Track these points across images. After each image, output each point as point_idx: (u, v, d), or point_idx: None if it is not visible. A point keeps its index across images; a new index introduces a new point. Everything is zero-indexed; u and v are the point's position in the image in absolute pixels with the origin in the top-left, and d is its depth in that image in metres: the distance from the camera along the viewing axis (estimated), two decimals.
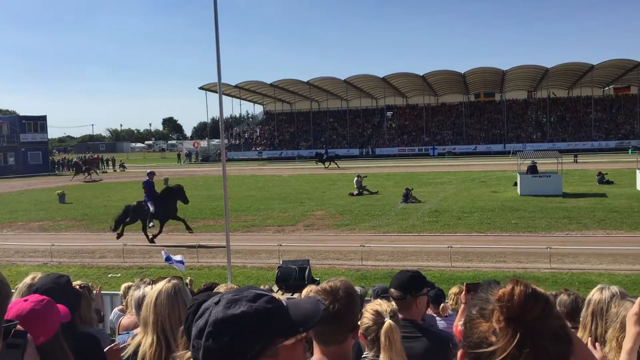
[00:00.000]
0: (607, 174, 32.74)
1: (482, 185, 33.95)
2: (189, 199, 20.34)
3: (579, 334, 3.38)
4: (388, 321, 2.70)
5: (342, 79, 77.64)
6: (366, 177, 33.43)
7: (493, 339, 1.22)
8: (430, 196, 28.88)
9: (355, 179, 31.92)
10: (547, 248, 14.32)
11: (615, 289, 3.42)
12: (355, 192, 30.96)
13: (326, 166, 56.28)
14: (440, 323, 5.54)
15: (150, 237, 19.14)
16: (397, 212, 24.26)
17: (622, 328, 2.65)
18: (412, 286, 3.55)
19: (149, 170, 21.22)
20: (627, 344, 2.08)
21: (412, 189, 27.91)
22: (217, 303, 1.43)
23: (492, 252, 15.79)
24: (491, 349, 1.21)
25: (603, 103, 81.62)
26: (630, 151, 54.47)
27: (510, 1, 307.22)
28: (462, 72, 73.19)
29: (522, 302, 1.22)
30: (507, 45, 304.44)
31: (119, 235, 18.77)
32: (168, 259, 10.71)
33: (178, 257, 10.77)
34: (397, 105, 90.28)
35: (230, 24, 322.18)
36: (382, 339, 2.62)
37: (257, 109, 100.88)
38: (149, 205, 19.30)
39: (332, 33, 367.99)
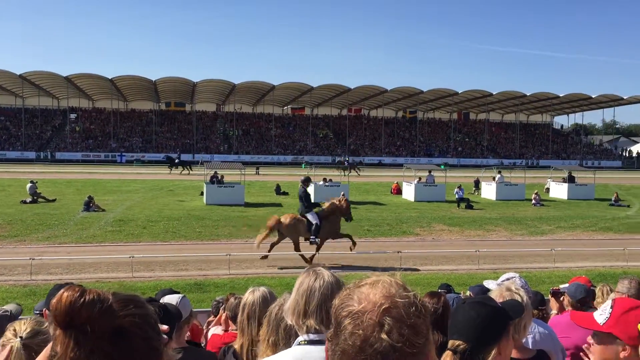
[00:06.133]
0: (277, 185, 36.08)
1: (170, 194, 33.94)
2: None
3: (238, 341, 3.43)
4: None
5: (18, 74, 69.21)
6: (36, 182, 30.10)
7: (57, 348, 1.24)
8: (115, 205, 27.66)
9: (29, 185, 28.70)
10: (226, 255, 14.92)
11: (264, 289, 3.57)
12: (29, 199, 27.83)
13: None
14: None
15: None
16: (77, 221, 22.57)
17: (271, 327, 2.77)
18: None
19: None
20: None
21: (94, 197, 26.38)
22: None
23: (175, 260, 15.80)
24: (55, 358, 1.24)
25: (282, 120, 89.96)
26: (303, 165, 61.08)
27: (208, 18, 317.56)
28: (153, 80, 72.49)
29: (69, 307, 1.22)
30: (197, 57, 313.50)
31: None
32: None
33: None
34: (83, 108, 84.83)
35: None
36: None
37: None
38: None
39: (8, 24, 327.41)
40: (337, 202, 16.42)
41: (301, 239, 16.08)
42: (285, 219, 15.90)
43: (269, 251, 16.01)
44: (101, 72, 71.41)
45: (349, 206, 16.65)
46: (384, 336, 1.20)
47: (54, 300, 1.24)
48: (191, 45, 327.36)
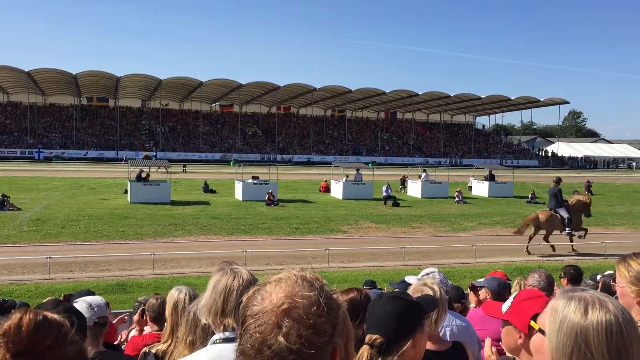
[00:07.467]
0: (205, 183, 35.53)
1: (92, 192, 32.73)
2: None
3: (167, 342, 3.33)
4: None
5: None
6: None
7: None
8: (32, 203, 26.39)
9: None
10: (151, 254, 14.54)
11: (188, 288, 3.50)
12: None
13: None
14: None
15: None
16: None
17: (189, 326, 2.70)
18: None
19: None
20: None
21: (9, 196, 25.08)
22: None
23: (96, 261, 15.22)
24: None
25: (210, 118, 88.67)
26: (232, 163, 60.43)
27: (129, 10, 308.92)
28: (74, 74, 69.64)
29: (32, 333, 1.09)
30: (122, 51, 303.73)
31: None
32: None
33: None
34: None
35: None
36: None
37: None
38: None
39: None
40: (583, 199, 19.08)
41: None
42: (543, 215, 18.17)
43: (529, 242, 18.19)
44: (17, 65, 67.61)
45: (591, 203, 19.20)
46: (280, 339, 1.17)
47: (9, 323, 1.09)
48: (115, 39, 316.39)
